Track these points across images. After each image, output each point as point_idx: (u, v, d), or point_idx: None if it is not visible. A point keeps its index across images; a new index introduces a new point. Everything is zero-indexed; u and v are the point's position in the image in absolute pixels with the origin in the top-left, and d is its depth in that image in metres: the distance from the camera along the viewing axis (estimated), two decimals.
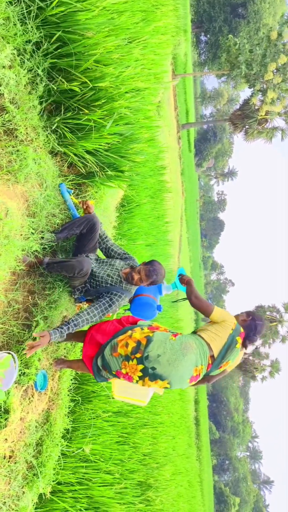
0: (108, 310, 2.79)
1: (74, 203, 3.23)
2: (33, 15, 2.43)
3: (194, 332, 2.86)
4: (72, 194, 3.27)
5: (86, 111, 2.85)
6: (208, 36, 35.46)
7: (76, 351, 3.59)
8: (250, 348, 2.95)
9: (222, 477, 59.67)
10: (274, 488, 71.99)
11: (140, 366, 2.50)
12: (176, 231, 19.37)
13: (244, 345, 2.82)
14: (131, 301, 3.20)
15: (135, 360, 2.51)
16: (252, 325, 2.88)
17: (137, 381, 2.56)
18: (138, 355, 2.50)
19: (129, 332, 2.65)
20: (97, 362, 2.69)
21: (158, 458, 5.18)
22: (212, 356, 2.66)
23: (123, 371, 2.57)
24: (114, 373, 2.63)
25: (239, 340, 2.74)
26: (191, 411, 20.04)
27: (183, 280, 3.13)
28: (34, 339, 2.48)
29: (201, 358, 2.59)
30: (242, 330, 2.80)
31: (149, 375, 2.49)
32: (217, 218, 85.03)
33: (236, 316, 2.95)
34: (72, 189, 3.34)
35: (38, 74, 2.56)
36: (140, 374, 2.50)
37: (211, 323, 2.83)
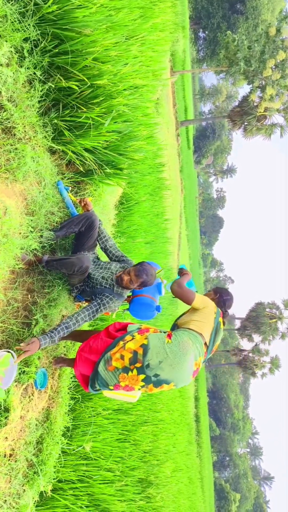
0: (99, 312, 2.78)
1: (72, 201, 3.23)
2: (31, 13, 2.42)
3: (177, 326, 2.88)
4: (70, 191, 3.27)
5: (84, 109, 2.85)
6: (207, 32, 35.28)
7: (75, 349, 3.59)
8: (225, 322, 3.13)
9: (222, 473, 59.91)
10: (275, 484, 72.41)
11: (142, 376, 2.46)
12: (175, 229, 19.34)
13: (223, 323, 2.92)
14: (130, 302, 3.20)
15: (135, 371, 2.46)
16: (221, 301, 3.03)
17: (139, 389, 2.54)
18: (138, 365, 2.46)
19: (121, 343, 2.57)
20: (95, 386, 2.63)
21: (158, 455, 5.19)
22: (205, 344, 2.71)
23: (122, 384, 2.51)
24: (111, 388, 2.57)
25: (221, 320, 2.85)
26: (191, 408, 20.09)
27: (181, 273, 3.16)
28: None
29: (198, 351, 2.61)
30: (220, 310, 2.90)
31: (153, 382, 2.47)
32: (217, 215, 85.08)
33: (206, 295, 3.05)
34: (70, 186, 3.34)
35: (35, 72, 2.55)
36: (142, 383, 2.48)
37: (192, 312, 2.86)
